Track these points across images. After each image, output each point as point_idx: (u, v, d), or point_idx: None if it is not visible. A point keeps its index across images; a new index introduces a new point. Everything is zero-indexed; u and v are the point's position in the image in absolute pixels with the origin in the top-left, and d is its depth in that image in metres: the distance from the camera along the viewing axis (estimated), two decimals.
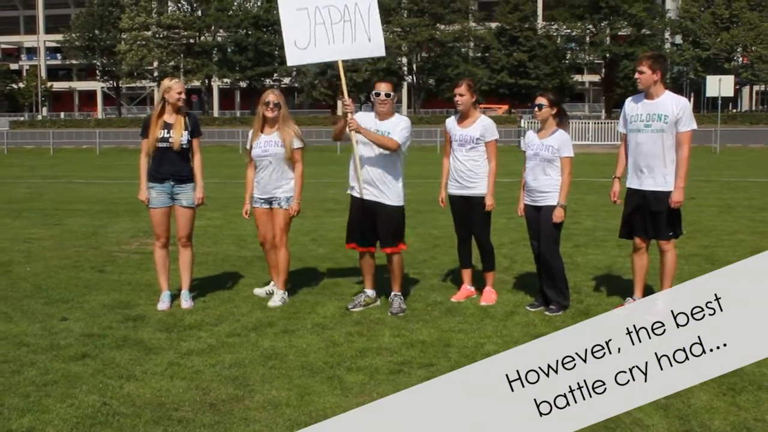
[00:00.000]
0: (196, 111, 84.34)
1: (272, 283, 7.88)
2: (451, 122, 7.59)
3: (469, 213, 7.51)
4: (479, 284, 7.74)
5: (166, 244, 7.41)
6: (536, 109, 7.16)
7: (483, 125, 7.36)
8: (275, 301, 7.43)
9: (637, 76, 6.80)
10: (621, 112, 7.12)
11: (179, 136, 7.15)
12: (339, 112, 79.72)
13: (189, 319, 6.90)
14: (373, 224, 7.20)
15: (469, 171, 7.35)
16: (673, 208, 6.75)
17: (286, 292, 7.61)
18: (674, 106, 6.67)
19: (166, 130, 7.16)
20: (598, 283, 8.20)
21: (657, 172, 6.73)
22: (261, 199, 7.61)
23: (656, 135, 6.68)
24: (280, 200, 7.52)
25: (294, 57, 7.50)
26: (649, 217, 6.84)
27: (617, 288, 7.90)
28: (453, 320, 6.82)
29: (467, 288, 7.68)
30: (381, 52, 7.39)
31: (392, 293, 7.33)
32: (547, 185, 7.08)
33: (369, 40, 7.32)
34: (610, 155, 31.98)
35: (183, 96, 7.23)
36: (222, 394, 5.11)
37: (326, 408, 4.83)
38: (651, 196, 6.78)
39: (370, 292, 7.38)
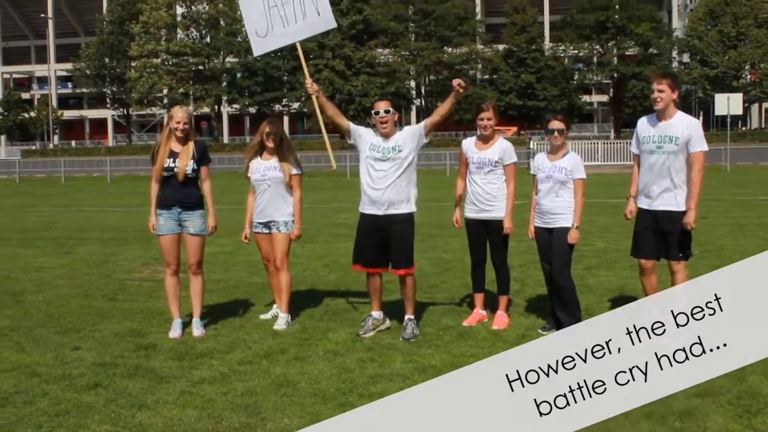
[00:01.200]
0: (206, 137, 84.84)
1: (275, 305, 7.93)
2: (468, 144, 7.55)
3: (485, 237, 7.49)
4: (491, 308, 7.71)
5: (177, 271, 7.41)
6: (555, 134, 7.06)
7: (502, 148, 7.34)
8: (280, 324, 7.48)
9: (657, 95, 6.66)
10: (634, 132, 7.10)
11: (184, 165, 7.17)
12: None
13: (201, 347, 6.89)
14: (382, 244, 7.15)
15: (487, 194, 7.34)
16: (684, 229, 6.72)
17: (289, 315, 7.65)
18: (685, 127, 6.63)
19: (172, 159, 7.19)
20: (610, 305, 8.16)
21: (669, 192, 6.71)
22: (260, 223, 7.79)
23: (668, 156, 6.65)
24: (279, 224, 7.69)
25: (258, 47, 7.89)
26: (659, 236, 6.81)
27: None
28: (465, 345, 6.79)
29: (479, 312, 7.65)
30: (332, 23, 7.68)
31: (406, 317, 7.23)
32: (559, 207, 7.06)
33: (318, 15, 7.58)
34: (621, 176, 31.94)
35: (183, 125, 7.19)
36: (234, 422, 5.09)
37: None
38: (663, 216, 6.74)
39: (377, 314, 7.34)
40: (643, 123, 6.94)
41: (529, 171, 7.60)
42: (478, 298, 7.70)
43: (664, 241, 6.78)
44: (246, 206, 7.94)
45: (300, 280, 9.73)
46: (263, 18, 7.70)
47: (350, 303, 8.41)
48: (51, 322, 7.92)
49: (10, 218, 19.91)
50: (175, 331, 7.26)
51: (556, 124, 7.08)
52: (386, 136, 7.18)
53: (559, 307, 7.13)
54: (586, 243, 12.11)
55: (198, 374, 6.11)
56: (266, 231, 7.78)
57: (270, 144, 7.70)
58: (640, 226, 6.96)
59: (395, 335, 7.13)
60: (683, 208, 6.67)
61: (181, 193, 7.23)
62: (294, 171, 7.70)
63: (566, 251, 7.09)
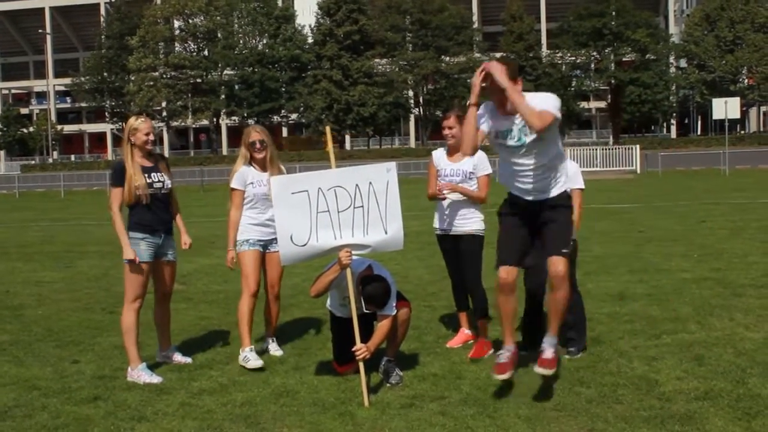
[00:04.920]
0: (205, 150, 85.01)
1: (249, 349, 6.66)
2: (438, 155, 6.97)
3: (459, 253, 6.84)
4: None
5: (142, 305, 6.52)
6: None
7: (477, 157, 6.70)
8: (278, 351, 7.01)
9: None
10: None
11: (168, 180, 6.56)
12: (348, 146, 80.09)
13: (200, 358, 6.89)
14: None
15: (460, 210, 6.76)
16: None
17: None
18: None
19: (147, 175, 6.38)
20: (610, 310, 8.14)
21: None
22: (261, 241, 6.82)
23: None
24: None
25: (289, 256, 5.94)
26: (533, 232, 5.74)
27: (629, 315, 7.85)
28: (464, 352, 6.76)
29: (464, 332, 7.10)
30: (399, 245, 5.99)
31: (385, 359, 6.13)
32: None
33: (385, 233, 5.87)
34: (618, 181, 31.98)
35: (152, 137, 6.41)
36: None
37: None
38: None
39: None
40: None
41: None
42: (463, 317, 7.10)
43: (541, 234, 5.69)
44: (230, 222, 6.81)
45: (300, 290, 9.72)
46: (306, 223, 5.83)
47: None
48: (50, 335, 7.91)
49: (10, 233, 19.91)
50: (152, 377, 6.27)
51: None
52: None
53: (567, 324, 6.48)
54: (585, 248, 12.11)
55: (197, 385, 6.10)
56: (262, 250, 6.85)
57: (258, 155, 6.73)
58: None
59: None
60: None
61: (167, 216, 6.55)
62: None
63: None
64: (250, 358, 6.53)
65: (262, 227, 6.78)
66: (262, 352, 6.89)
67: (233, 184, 6.79)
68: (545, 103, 5.34)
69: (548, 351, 5.30)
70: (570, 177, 6.55)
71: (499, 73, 5.26)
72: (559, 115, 5.33)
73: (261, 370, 6.39)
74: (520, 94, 5.20)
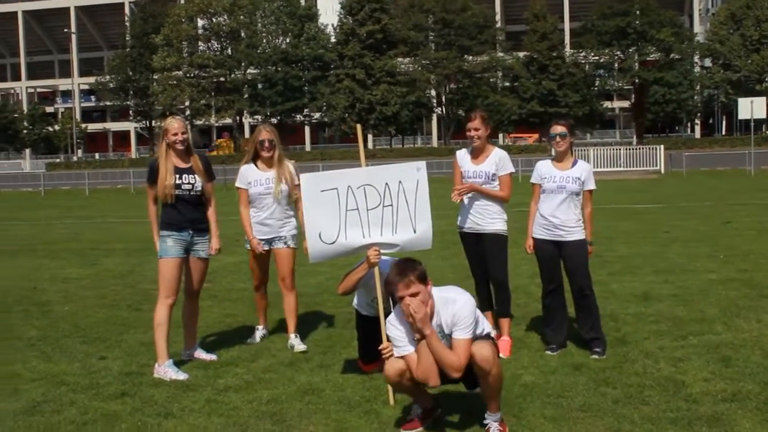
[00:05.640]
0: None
1: (261, 327, 7.61)
2: (462, 155, 7.00)
3: (483, 252, 6.90)
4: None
5: (175, 302, 6.61)
6: (557, 139, 6.69)
7: (499, 157, 6.84)
8: (301, 346, 7.05)
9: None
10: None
11: (202, 182, 6.63)
12: (370, 145, 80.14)
13: (226, 355, 6.93)
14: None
15: (484, 209, 6.83)
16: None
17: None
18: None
19: (179, 176, 6.51)
20: (635, 310, 8.10)
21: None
22: (262, 240, 7.17)
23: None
24: (287, 238, 7.15)
25: (317, 253, 5.90)
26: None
27: (655, 315, 7.80)
28: None
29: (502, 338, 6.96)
30: (428, 245, 5.90)
31: None
32: (573, 219, 6.66)
33: (414, 232, 5.81)
34: (642, 181, 31.78)
35: (182, 135, 6.50)
36: (260, 430, 5.11)
37: None
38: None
39: None
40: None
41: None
42: (487, 317, 6.81)
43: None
44: (242, 218, 7.23)
45: (324, 289, 9.75)
46: (335, 221, 5.80)
47: None
48: (77, 332, 7.99)
49: (37, 230, 20.11)
50: (178, 373, 6.32)
51: (557, 129, 6.71)
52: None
53: (586, 324, 6.70)
54: (609, 248, 12.07)
55: (223, 382, 6.14)
56: (267, 247, 7.21)
57: (266, 154, 7.06)
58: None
59: None
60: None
61: (195, 215, 6.61)
62: (296, 180, 7.00)
63: (587, 264, 6.73)
64: (255, 335, 7.56)
65: (260, 225, 7.19)
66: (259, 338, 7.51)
67: (237, 183, 7.25)
68: (458, 328, 4.81)
69: (494, 427, 4.91)
70: (586, 177, 6.71)
71: (420, 320, 4.75)
72: (471, 335, 4.80)
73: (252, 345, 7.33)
74: (438, 340, 4.78)
